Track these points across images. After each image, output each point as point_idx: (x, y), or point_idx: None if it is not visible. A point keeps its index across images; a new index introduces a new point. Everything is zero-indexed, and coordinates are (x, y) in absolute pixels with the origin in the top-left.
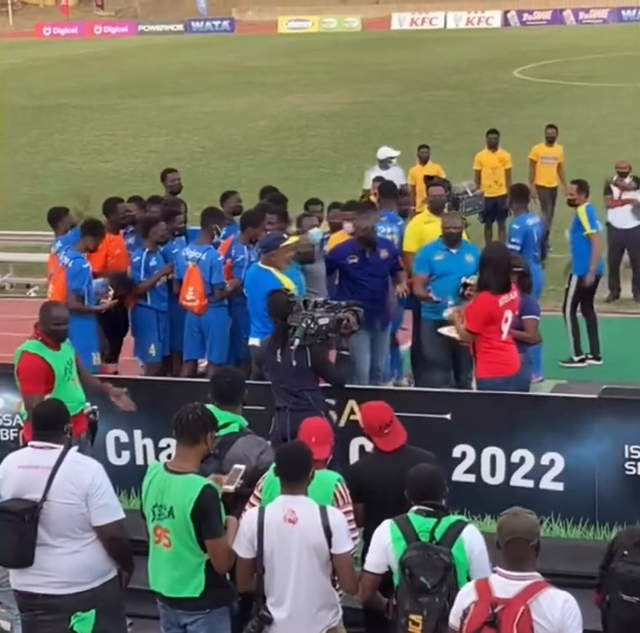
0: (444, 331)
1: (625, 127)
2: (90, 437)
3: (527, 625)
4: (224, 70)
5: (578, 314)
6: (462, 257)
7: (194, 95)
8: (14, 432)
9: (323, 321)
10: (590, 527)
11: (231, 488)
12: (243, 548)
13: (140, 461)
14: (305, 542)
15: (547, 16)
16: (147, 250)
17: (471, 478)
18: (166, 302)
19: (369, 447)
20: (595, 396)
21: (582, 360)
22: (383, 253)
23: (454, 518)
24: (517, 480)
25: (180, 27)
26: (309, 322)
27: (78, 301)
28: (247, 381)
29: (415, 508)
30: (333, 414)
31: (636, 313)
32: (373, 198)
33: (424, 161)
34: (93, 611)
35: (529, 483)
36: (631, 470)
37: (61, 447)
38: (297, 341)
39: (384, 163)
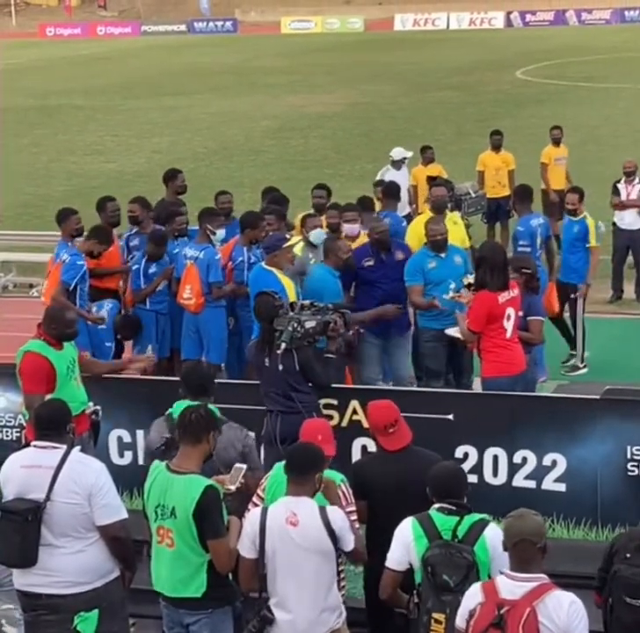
0: (450, 331)
1: (628, 127)
2: (93, 437)
3: (533, 627)
4: (227, 71)
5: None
6: (452, 260)
7: (197, 95)
8: (17, 431)
9: (310, 324)
10: (592, 527)
11: (233, 488)
12: (245, 548)
13: (142, 461)
14: (306, 545)
15: (549, 16)
16: (146, 257)
17: (473, 479)
18: (165, 304)
19: (372, 447)
20: (598, 396)
21: (585, 366)
22: (399, 255)
23: (476, 516)
24: (519, 481)
25: (183, 28)
26: (295, 325)
27: (61, 295)
28: (244, 382)
29: (437, 506)
30: (335, 414)
31: (639, 314)
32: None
33: (429, 161)
34: (96, 611)
35: (531, 484)
36: (634, 471)
37: (64, 446)
38: (284, 345)
39: (398, 164)
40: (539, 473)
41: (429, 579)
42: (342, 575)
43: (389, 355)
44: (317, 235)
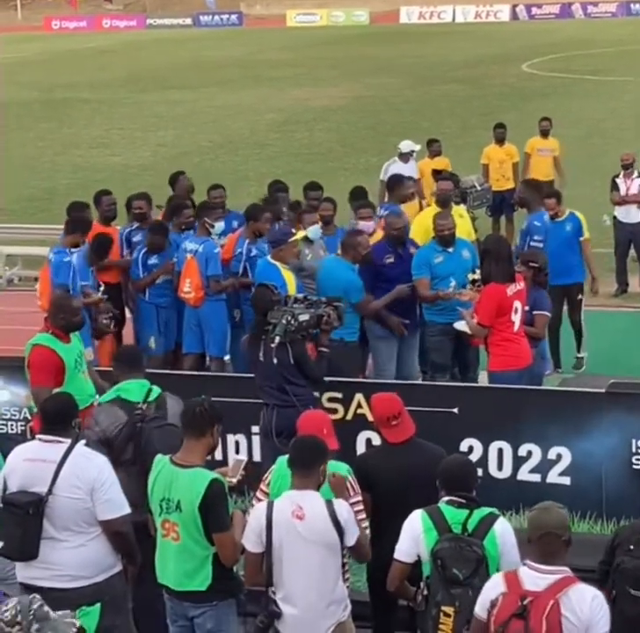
0: (458, 325)
1: (633, 120)
2: None
3: (556, 619)
4: (232, 64)
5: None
6: (460, 254)
7: (202, 89)
8: (21, 425)
9: (304, 317)
10: (597, 521)
11: (234, 480)
12: (251, 542)
13: None
14: (313, 538)
15: (555, 9)
16: (145, 249)
17: (478, 472)
18: (167, 298)
19: (376, 440)
20: (602, 390)
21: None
22: (412, 249)
23: (486, 510)
24: (524, 474)
25: (189, 21)
26: (289, 318)
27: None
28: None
29: (446, 499)
30: (340, 407)
31: None
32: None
33: (436, 155)
34: (98, 605)
35: (536, 478)
36: (639, 465)
37: (69, 441)
38: (278, 338)
39: (405, 157)
40: (544, 466)
41: (439, 573)
42: (346, 567)
43: (398, 351)
44: (315, 231)
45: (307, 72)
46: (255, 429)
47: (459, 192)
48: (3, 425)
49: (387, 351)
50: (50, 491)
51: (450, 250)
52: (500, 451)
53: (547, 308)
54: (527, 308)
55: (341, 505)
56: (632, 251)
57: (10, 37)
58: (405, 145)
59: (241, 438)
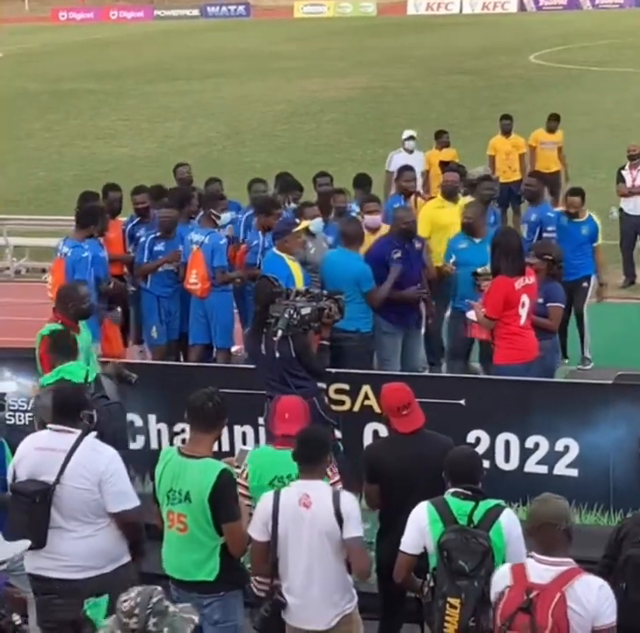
0: (470, 315)
1: None
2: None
3: (562, 612)
4: (240, 55)
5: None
6: (484, 247)
7: (210, 80)
8: (29, 416)
9: (306, 310)
10: (604, 512)
11: (239, 471)
12: (257, 530)
13: (154, 445)
14: (318, 527)
15: (563, 1)
16: (154, 235)
17: (485, 464)
18: (169, 288)
19: (383, 432)
20: (610, 382)
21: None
22: (417, 244)
23: (492, 502)
24: (531, 466)
25: (196, 12)
26: (291, 312)
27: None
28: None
29: (452, 491)
30: (347, 399)
31: None
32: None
33: (444, 146)
34: (106, 596)
35: (543, 469)
36: None
37: (79, 431)
38: (280, 332)
39: (409, 146)
40: (551, 458)
41: (445, 564)
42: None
43: (403, 346)
44: (317, 224)
45: (314, 63)
46: (262, 420)
47: (466, 183)
48: (11, 415)
49: (391, 345)
50: (58, 480)
51: (477, 240)
52: (507, 443)
53: (560, 299)
54: (540, 300)
55: (347, 497)
56: (639, 243)
57: (18, 28)
58: (404, 133)
59: (248, 429)
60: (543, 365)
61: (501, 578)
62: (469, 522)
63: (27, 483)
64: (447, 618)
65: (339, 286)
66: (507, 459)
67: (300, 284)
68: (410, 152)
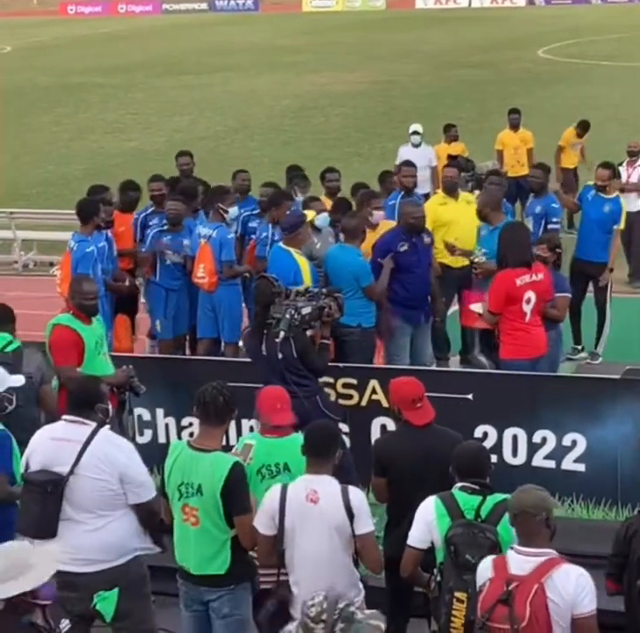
0: (475, 308)
1: None
2: (122, 414)
3: (541, 603)
4: (248, 49)
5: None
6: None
7: (218, 74)
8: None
9: (306, 310)
10: (612, 507)
11: (245, 463)
12: (263, 524)
13: (162, 439)
14: (326, 522)
15: None
16: (160, 228)
17: (493, 459)
18: (178, 281)
19: (391, 426)
20: (618, 376)
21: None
22: (426, 239)
23: (499, 496)
24: (539, 460)
25: (204, 6)
26: (292, 312)
27: None
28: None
29: (459, 485)
30: (355, 394)
31: None
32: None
33: (453, 140)
34: (116, 590)
35: (551, 464)
36: None
37: (94, 423)
38: (282, 333)
39: (416, 140)
40: (559, 453)
41: (452, 559)
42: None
43: (412, 341)
44: (323, 218)
45: (323, 57)
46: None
47: (474, 178)
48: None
49: (400, 340)
50: (72, 471)
51: (490, 227)
52: (515, 437)
53: (567, 289)
54: (557, 295)
55: (355, 492)
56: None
57: (26, 22)
58: (411, 127)
59: (255, 423)
60: (549, 356)
61: (484, 570)
62: (477, 517)
63: (40, 473)
64: (453, 612)
65: (340, 281)
66: (515, 454)
67: (307, 279)
68: (416, 146)
